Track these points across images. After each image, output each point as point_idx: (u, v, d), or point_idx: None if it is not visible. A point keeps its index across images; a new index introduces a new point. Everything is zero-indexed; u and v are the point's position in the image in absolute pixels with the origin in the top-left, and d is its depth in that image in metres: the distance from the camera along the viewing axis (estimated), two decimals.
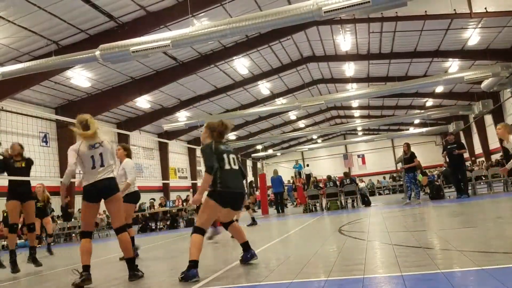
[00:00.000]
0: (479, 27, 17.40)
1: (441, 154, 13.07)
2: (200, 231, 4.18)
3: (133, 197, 6.41)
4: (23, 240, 14.36)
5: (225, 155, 4.36)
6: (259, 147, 38.21)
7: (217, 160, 4.28)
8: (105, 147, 4.58)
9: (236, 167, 4.44)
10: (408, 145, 12.26)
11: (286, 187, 22.18)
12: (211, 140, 4.46)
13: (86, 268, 4.30)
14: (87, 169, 4.42)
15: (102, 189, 4.47)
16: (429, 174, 21.37)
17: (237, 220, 7.83)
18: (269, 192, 21.94)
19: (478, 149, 30.85)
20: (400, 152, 12.81)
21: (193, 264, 3.96)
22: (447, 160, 13.26)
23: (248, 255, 4.46)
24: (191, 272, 3.92)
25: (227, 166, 4.32)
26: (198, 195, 4.38)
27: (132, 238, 6.26)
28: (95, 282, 4.45)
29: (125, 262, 4.54)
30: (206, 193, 4.41)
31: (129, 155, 6.51)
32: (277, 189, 16.12)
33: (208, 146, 4.39)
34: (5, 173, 6.38)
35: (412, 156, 11.97)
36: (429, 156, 36.54)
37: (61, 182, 4.61)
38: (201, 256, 4.00)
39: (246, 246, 4.51)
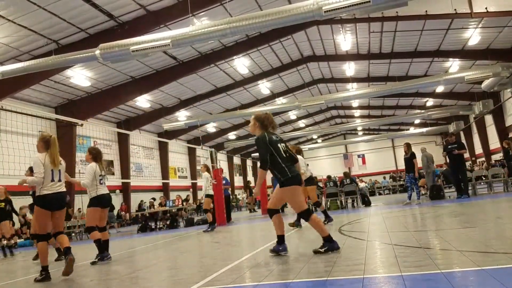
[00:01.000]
0: (480, 27, 17.39)
1: (441, 154, 13.05)
2: (308, 212, 4.57)
3: (96, 201, 6.40)
4: (22, 240, 14.37)
5: (279, 145, 4.64)
6: None
7: (274, 151, 4.55)
8: (63, 165, 5.20)
9: (287, 153, 4.69)
10: (408, 145, 12.16)
11: None
12: (261, 131, 4.68)
13: (46, 268, 4.91)
14: (46, 181, 4.92)
15: (59, 200, 5.03)
16: None
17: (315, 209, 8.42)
18: (269, 191, 21.92)
19: (478, 149, 30.85)
20: (400, 152, 12.81)
21: (328, 238, 4.43)
22: (447, 160, 13.23)
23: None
24: (334, 244, 4.41)
25: (283, 154, 4.60)
26: (257, 188, 4.85)
27: (107, 241, 6.55)
28: (93, 281, 4.44)
29: (63, 250, 5.10)
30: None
31: (96, 158, 6.51)
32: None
33: (263, 138, 4.59)
34: None
35: (412, 156, 11.91)
36: None
37: (26, 179, 5.23)
38: (200, 256, 3.99)
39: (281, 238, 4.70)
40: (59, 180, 5.06)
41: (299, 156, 7.62)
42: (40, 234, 5.01)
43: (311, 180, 8.44)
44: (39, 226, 5.00)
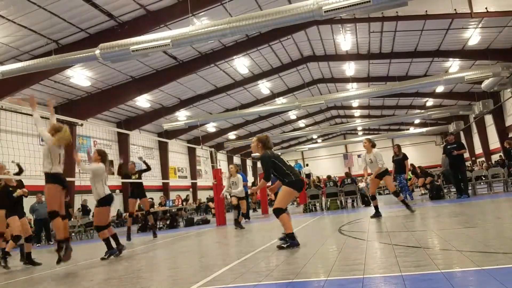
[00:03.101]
0: (480, 27, 17.39)
1: (441, 154, 13.07)
2: (284, 210, 5.35)
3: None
4: None
5: (282, 157, 5.62)
6: None
7: (279, 162, 5.43)
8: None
9: (288, 164, 5.58)
10: (398, 147, 12.44)
11: None
12: (264, 150, 5.56)
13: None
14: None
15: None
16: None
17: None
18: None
19: (478, 149, 30.85)
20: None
21: (292, 235, 5.18)
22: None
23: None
24: (295, 242, 5.14)
25: (286, 164, 5.49)
26: (257, 188, 6.77)
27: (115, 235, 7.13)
28: (93, 281, 4.44)
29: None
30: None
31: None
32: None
33: (267, 156, 5.46)
34: None
35: (404, 158, 11.97)
36: (429, 156, 36.51)
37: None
38: (200, 256, 3.99)
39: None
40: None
41: (375, 149, 8.41)
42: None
43: (387, 172, 8.74)
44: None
